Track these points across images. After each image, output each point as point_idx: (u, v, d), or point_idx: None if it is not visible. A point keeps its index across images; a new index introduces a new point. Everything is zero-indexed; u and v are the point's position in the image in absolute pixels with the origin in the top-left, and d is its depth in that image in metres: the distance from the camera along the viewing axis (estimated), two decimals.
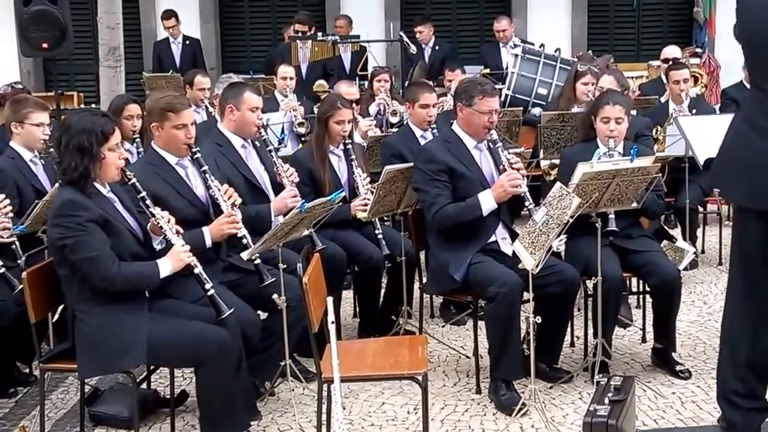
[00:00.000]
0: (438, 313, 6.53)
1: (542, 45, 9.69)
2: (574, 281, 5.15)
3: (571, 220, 4.58)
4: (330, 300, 3.81)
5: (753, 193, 3.98)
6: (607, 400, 4.23)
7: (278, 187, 5.55)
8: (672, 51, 9.91)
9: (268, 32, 13.70)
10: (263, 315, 5.02)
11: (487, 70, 10.40)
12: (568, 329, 5.53)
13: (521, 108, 8.60)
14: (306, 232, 5.14)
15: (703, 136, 6.68)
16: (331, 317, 3.68)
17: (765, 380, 4.24)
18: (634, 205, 5.22)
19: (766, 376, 4.24)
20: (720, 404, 4.35)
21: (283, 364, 4.96)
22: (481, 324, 5.17)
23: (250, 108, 5.46)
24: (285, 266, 4.88)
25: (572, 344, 5.78)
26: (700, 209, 7.83)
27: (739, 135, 4.04)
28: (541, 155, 7.51)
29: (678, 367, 5.37)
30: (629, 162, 5.06)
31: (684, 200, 7.22)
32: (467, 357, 5.68)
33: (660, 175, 5.34)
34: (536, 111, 8.65)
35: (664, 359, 5.45)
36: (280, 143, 7.41)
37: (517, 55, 9.43)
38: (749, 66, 4.02)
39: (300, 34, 10.83)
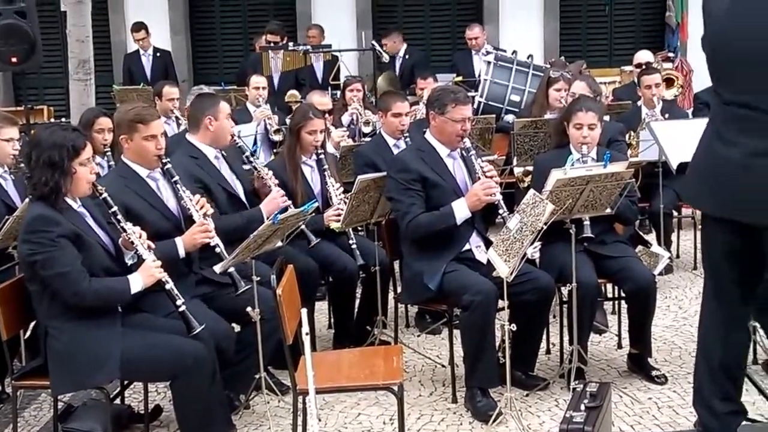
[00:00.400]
0: (413, 322, 6.51)
1: (515, 52, 9.70)
2: (548, 288, 5.14)
3: (545, 227, 4.57)
4: (304, 311, 3.81)
5: (717, 201, 3.99)
6: (583, 407, 4.21)
7: (249, 196, 5.58)
8: (644, 56, 9.92)
9: (239, 43, 13.65)
10: (237, 328, 4.99)
11: (460, 78, 10.40)
12: (544, 336, 5.52)
13: (494, 115, 8.61)
14: (279, 244, 5.11)
15: (676, 140, 6.70)
16: (305, 329, 3.66)
17: (739, 384, 4.25)
18: (608, 210, 5.22)
19: (740, 380, 4.26)
20: (696, 409, 4.35)
21: (257, 376, 4.92)
22: (457, 333, 5.16)
23: (227, 116, 5.50)
24: (258, 278, 4.85)
25: (548, 351, 5.78)
26: (675, 214, 7.84)
27: (705, 142, 4.06)
28: (515, 162, 7.52)
29: (654, 373, 5.38)
30: (602, 168, 5.06)
31: (658, 205, 7.24)
32: (443, 366, 5.64)
33: (633, 180, 5.36)
34: (509, 118, 8.64)
35: (639, 365, 5.45)
36: (252, 155, 7.36)
37: (489, 63, 9.43)
38: (710, 74, 4.04)
39: (272, 45, 10.81)
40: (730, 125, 3.91)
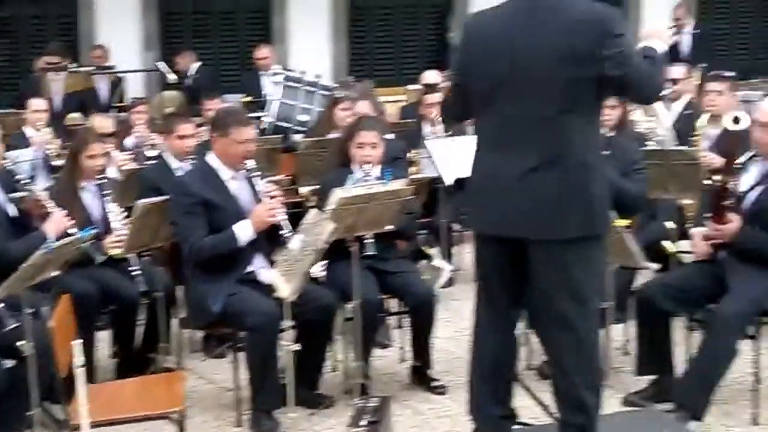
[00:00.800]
0: (199, 347, 6.42)
1: (303, 72, 9.75)
2: (331, 306, 5.22)
3: (327, 246, 4.63)
4: (77, 343, 3.70)
5: (476, 216, 4.16)
6: (364, 422, 4.29)
7: (22, 221, 5.39)
8: (431, 76, 10.18)
9: (15, 65, 13.03)
10: (11, 363, 4.78)
11: (248, 99, 10.38)
12: (329, 354, 5.58)
13: (281, 135, 8.63)
14: (55, 273, 4.95)
15: (449, 157, 6.92)
16: (78, 361, 3.57)
17: (510, 387, 4.39)
18: (390, 227, 5.34)
19: (511, 383, 4.41)
20: (473, 415, 4.45)
21: (30, 413, 4.72)
22: (242, 355, 5.12)
23: None
24: (33, 309, 4.67)
25: (334, 369, 5.81)
26: (456, 227, 8.08)
27: (478, 160, 4.19)
28: (301, 182, 7.57)
29: (433, 383, 5.53)
30: (384, 185, 5.18)
31: (440, 219, 7.44)
32: (228, 390, 5.57)
33: (414, 196, 5.50)
34: (297, 138, 8.70)
35: (421, 377, 5.60)
36: (31, 179, 7.10)
37: (277, 83, 9.45)
38: (474, 92, 4.14)
39: (52, 66, 10.46)
40: (499, 141, 4.05)
